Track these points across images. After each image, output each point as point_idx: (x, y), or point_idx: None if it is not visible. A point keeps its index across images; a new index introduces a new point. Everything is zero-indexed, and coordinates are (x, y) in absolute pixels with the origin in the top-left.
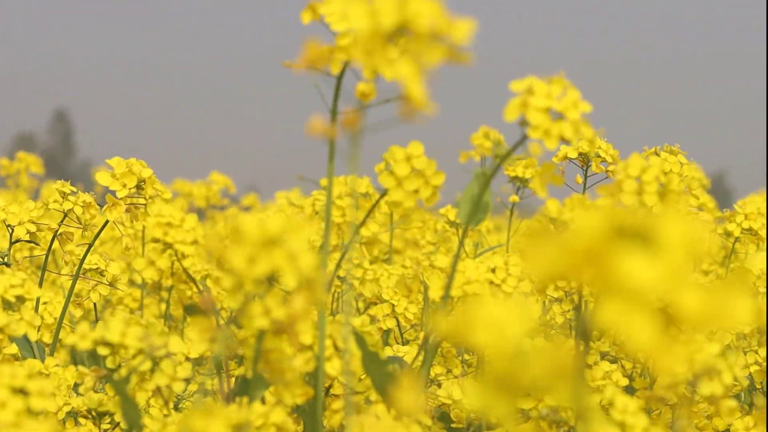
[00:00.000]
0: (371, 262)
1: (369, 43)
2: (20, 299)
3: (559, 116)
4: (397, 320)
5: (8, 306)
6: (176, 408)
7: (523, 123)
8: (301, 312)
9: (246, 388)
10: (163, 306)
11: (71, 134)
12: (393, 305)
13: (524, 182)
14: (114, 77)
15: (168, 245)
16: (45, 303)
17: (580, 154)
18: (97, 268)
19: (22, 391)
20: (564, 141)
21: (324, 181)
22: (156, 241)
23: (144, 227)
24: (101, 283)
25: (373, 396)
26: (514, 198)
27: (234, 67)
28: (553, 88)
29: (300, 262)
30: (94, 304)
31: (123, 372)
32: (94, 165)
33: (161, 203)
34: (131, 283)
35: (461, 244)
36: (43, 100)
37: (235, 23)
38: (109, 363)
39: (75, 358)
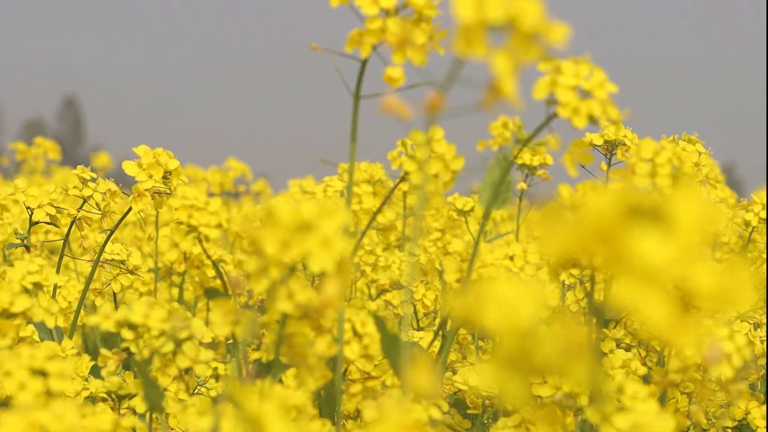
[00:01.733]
0: (383, 249)
1: (470, 33)
2: (37, 286)
3: (586, 95)
4: (414, 306)
5: (26, 292)
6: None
7: (551, 102)
8: (333, 297)
9: (265, 372)
10: (175, 291)
11: (81, 121)
12: (411, 291)
13: (533, 170)
14: (123, 63)
15: (192, 228)
16: (59, 287)
17: (606, 141)
18: (119, 258)
19: (41, 373)
20: (592, 121)
21: (344, 166)
22: (180, 223)
23: (158, 212)
24: (122, 272)
25: (389, 380)
26: (522, 185)
27: (242, 54)
28: (581, 68)
29: (333, 247)
30: (114, 294)
31: (145, 354)
32: (103, 151)
33: (184, 186)
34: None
35: (482, 228)
36: (53, 87)
37: (249, 8)
38: (130, 345)
39: (87, 343)
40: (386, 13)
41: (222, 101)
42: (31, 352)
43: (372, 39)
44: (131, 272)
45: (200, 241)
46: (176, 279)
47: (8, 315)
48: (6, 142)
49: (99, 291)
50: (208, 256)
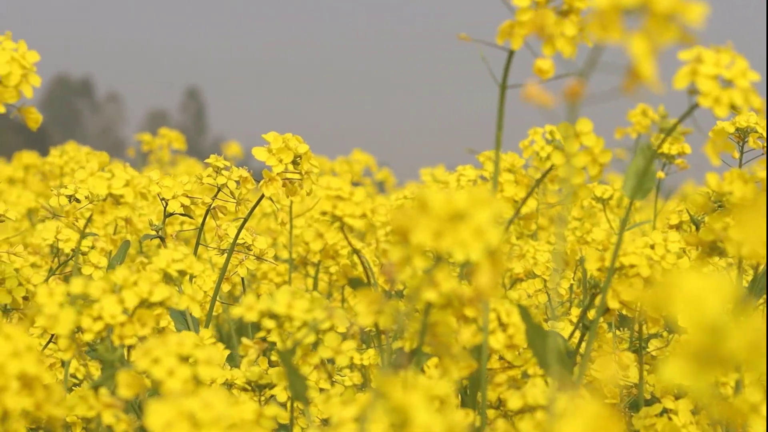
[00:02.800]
0: (517, 238)
1: (605, 18)
2: (182, 273)
3: (727, 84)
4: (548, 295)
5: (170, 280)
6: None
7: (693, 91)
8: (486, 287)
9: (408, 361)
10: (309, 281)
11: (203, 112)
12: (546, 280)
13: (671, 158)
14: (245, 55)
15: (337, 218)
16: (195, 277)
17: (737, 129)
18: (244, 243)
19: (188, 360)
20: (732, 110)
21: (486, 154)
22: (324, 213)
23: (292, 202)
24: (249, 256)
25: (531, 369)
26: (660, 174)
27: (358, 46)
28: (722, 56)
29: (486, 236)
30: (243, 279)
31: (288, 344)
32: (225, 142)
33: (329, 176)
34: (276, 258)
35: (627, 217)
36: (176, 79)
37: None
38: (274, 336)
39: (221, 332)
40: (536, 4)
41: (343, 91)
42: (179, 339)
43: (523, 31)
44: (258, 258)
45: (344, 232)
46: (311, 270)
47: (148, 305)
48: (129, 133)
49: (227, 278)
50: (352, 247)
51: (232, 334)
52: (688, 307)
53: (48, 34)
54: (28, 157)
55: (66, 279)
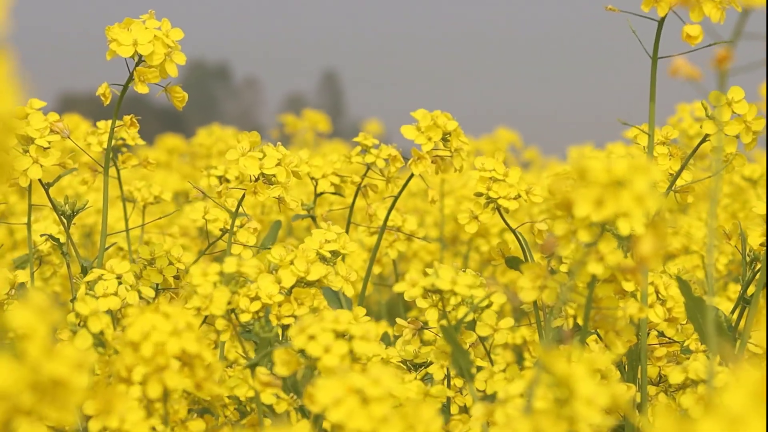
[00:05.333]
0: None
1: None
2: (335, 254)
3: None
4: (705, 271)
5: (324, 260)
6: None
7: None
8: (648, 255)
9: (571, 337)
10: (459, 260)
11: (340, 94)
12: (703, 256)
13: None
14: (381, 35)
15: (491, 200)
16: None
17: None
18: (394, 225)
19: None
20: None
21: (641, 128)
22: (479, 195)
23: (443, 180)
24: (399, 237)
25: (693, 345)
26: None
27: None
28: None
29: (647, 202)
30: (394, 262)
31: (445, 322)
32: (363, 124)
33: (483, 157)
34: (425, 237)
35: None
36: (313, 62)
37: None
38: (429, 314)
39: (370, 313)
40: None
41: (484, 68)
42: (335, 316)
43: None
44: (409, 237)
45: (500, 212)
46: (461, 248)
47: (304, 283)
48: (267, 117)
49: (377, 259)
50: (509, 227)
51: (382, 315)
52: None
53: (185, 20)
54: (172, 140)
55: (215, 259)
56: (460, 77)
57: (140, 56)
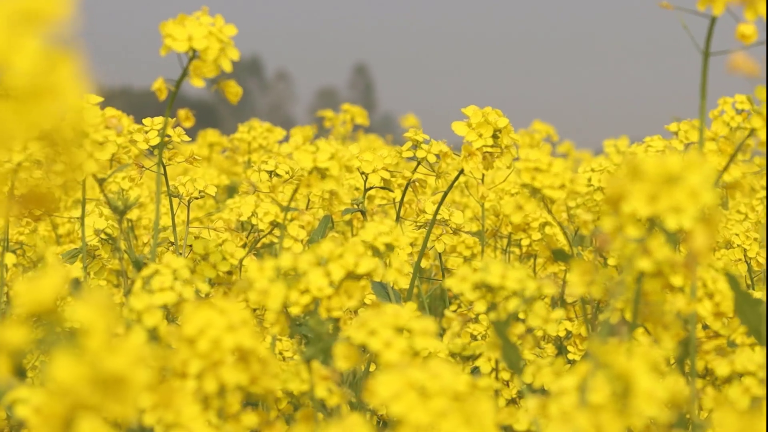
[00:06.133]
0: None
1: None
2: (389, 247)
3: None
4: (748, 265)
5: (377, 253)
6: None
7: None
8: (701, 250)
9: (623, 330)
10: (498, 253)
11: (372, 88)
12: (745, 250)
13: None
14: (412, 29)
15: (536, 190)
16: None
17: None
18: (441, 218)
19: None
20: None
21: (692, 123)
22: (524, 185)
23: (484, 174)
24: (446, 231)
25: (739, 339)
26: None
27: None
28: None
29: (701, 198)
30: (439, 254)
31: (493, 315)
32: (394, 118)
33: (527, 149)
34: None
35: None
36: (344, 55)
37: None
38: (480, 306)
39: (422, 304)
40: None
41: (514, 62)
42: (395, 311)
43: None
44: (455, 231)
45: (544, 203)
46: (501, 242)
47: (354, 277)
48: (299, 111)
49: (424, 253)
50: (555, 219)
51: (425, 307)
52: None
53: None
54: (213, 135)
55: (256, 254)
56: (492, 71)
57: (195, 51)
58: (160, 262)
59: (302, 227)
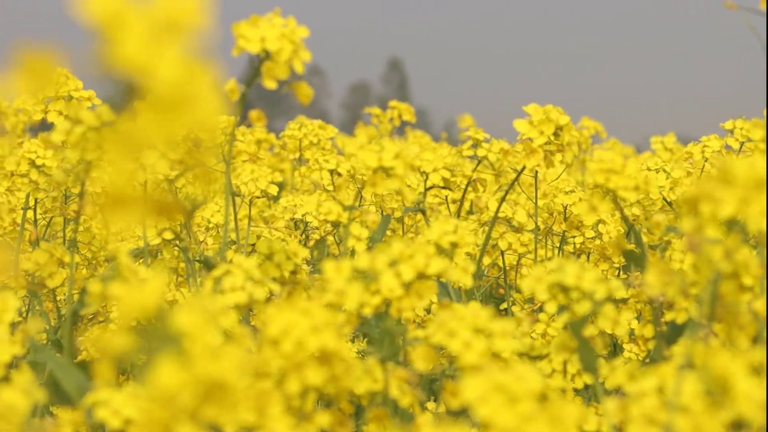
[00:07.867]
0: None
1: None
2: (454, 245)
3: None
4: None
5: (442, 252)
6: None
7: None
8: None
9: (678, 332)
10: (549, 252)
11: (406, 83)
12: None
13: None
14: (446, 24)
15: (610, 191)
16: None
17: None
18: (504, 216)
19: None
20: None
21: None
22: (597, 186)
23: (536, 171)
24: (509, 230)
25: None
26: None
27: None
28: None
29: None
30: (502, 252)
31: (567, 316)
32: (428, 113)
33: (601, 149)
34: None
35: None
36: (378, 50)
37: None
38: (551, 307)
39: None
40: None
41: (550, 60)
42: (474, 311)
43: None
44: (516, 230)
45: (616, 203)
46: (556, 240)
47: (424, 277)
48: (333, 106)
49: (486, 251)
50: (626, 220)
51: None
52: None
53: (249, 11)
54: (260, 132)
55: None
56: (528, 65)
57: (267, 52)
58: (228, 262)
59: (370, 225)
